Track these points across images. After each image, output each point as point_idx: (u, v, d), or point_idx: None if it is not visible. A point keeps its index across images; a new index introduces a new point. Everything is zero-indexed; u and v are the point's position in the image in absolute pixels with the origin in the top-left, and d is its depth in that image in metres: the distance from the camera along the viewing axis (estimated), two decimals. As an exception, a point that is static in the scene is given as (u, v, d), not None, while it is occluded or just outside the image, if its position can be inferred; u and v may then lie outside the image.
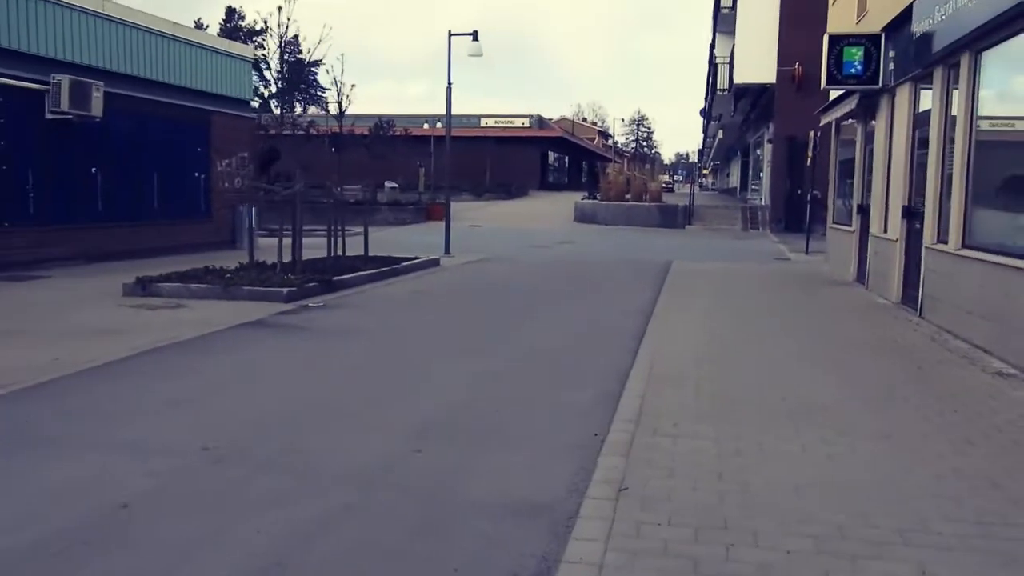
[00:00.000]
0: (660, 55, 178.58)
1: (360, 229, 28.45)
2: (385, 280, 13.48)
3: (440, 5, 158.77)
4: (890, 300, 11.27)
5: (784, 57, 29.18)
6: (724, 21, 35.35)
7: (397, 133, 36.57)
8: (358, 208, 33.38)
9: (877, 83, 12.00)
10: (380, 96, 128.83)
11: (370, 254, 15.99)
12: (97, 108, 14.53)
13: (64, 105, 13.92)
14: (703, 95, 59.06)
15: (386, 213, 32.48)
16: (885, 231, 11.94)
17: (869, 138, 13.37)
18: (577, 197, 38.79)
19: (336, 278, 12.19)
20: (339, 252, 15.00)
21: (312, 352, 7.65)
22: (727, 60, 32.99)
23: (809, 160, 22.22)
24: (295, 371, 6.85)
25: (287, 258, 12.48)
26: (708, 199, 45.46)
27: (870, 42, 12.04)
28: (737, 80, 30.97)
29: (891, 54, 11.73)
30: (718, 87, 34.12)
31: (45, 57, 13.92)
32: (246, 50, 20.50)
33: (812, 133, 21.90)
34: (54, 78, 13.83)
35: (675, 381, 6.40)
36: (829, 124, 16.64)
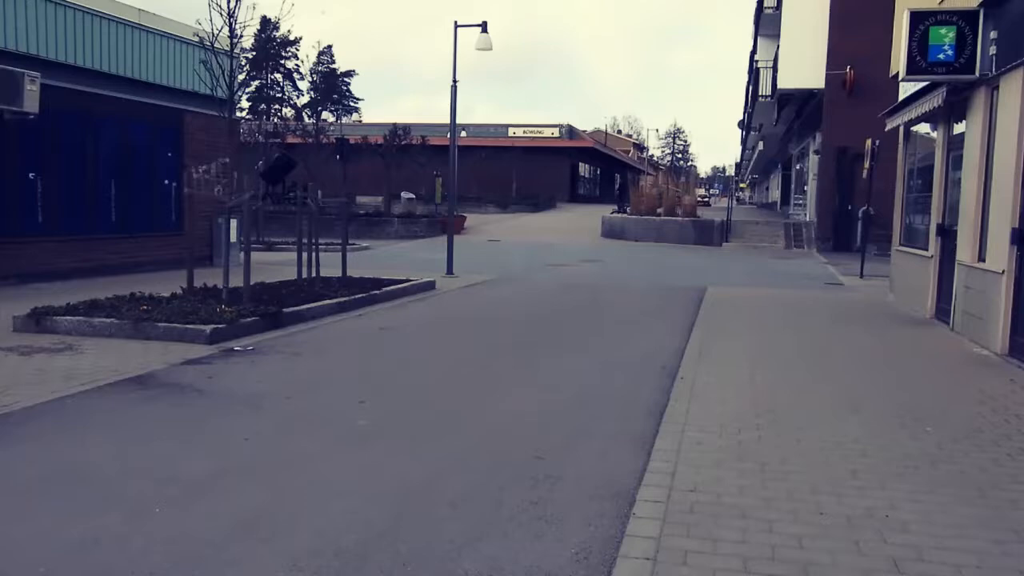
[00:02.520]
0: (696, 66, 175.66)
1: (366, 244, 26.41)
2: (357, 310, 11.15)
3: (473, 17, 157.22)
4: (991, 350, 8.66)
5: (834, 60, 26.52)
6: (767, 23, 32.72)
7: (413, 142, 34.32)
8: (367, 220, 31.33)
9: (973, 72, 9.42)
10: (409, 110, 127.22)
11: (355, 275, 13.73)
12: (31, 103, 12.41)
13: (-12, 98, 11.83)
14: (742, 105, 56.30)
15: (397, 226, 30.27)
16: (981, 259, 9.33)
17: (955, 144, 10.77)
18: (608, 211, 36.31)
19: (288, 310, 9.87)
20: (312, 274, 12.76)
21: (183, 439, 5.28)
22: (770, 64, 30.37)
23: (865, 172, 19.52)
24: (116, 485, 4.50)
25: (238, 282, 10.24)
26: (747, 214, 42.66)
27: (964, 20, 9.48)
28: (781, 85, 28.30)
29: (992, 35, 9.16)
30: (760, 94, 31.48)
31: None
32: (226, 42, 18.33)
33: (870, 141, 19.23)
34: (-27, 67, 11.77)
35: (709, 514, 3.94)
36: (895, 129, 14.02)
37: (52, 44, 13.36)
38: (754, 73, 33.20)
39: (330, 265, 13.16)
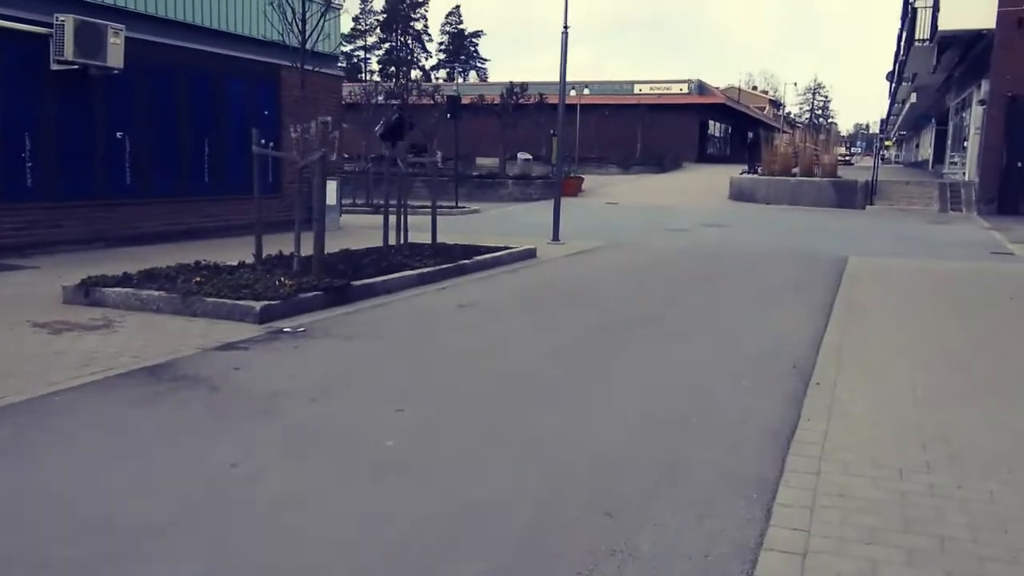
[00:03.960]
0: (840, 15, 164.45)
1: (476, 207, 25.33)
2: (441, 282, 9.97)
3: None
4: None
5: (1008, -5, 23.06)
6: (925, -43, 29.03)
7: (530, 100, 32.79)
8: (480, 182, 30.25)
9: None
10: (538, 67, 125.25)
11: (453, 241, 12.59)
12: (115, 57, 11.82)
13: (69, 53, 11.26)
14: (892, 55, 51.46)
15: (512, 188, 29.02)
16: None
17: None
18: (738, 171, 33.77)
19: (358, 283, 8.79)
20: (400, 240, 11.70)
21: (153, 463, 4.19)
22: (929, 3, 26.90)
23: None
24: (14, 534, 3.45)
25: (310, 251, 9.24)
26: (893, 173, 38.85)
27: None
28: (943, 26, 24.95)
29: None
30: (916, 37, 28.03)
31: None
32: (334, -5, 17.42)
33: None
34: (57, 19, 11.21)
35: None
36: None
37: (139, -6, 12.73)
38: (910, 15, 29.62)
39: (439, 229, 12.13)
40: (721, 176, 34.26)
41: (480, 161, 39.23)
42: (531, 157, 36.19)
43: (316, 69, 10.05)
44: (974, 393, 5.37)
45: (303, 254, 9.26)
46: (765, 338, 7.19)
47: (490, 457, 4.17)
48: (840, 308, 8.62)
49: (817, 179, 28.18)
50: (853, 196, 26.66)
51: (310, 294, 8.00)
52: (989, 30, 23.85)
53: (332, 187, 17.37)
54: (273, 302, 7.50)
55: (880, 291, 9.98)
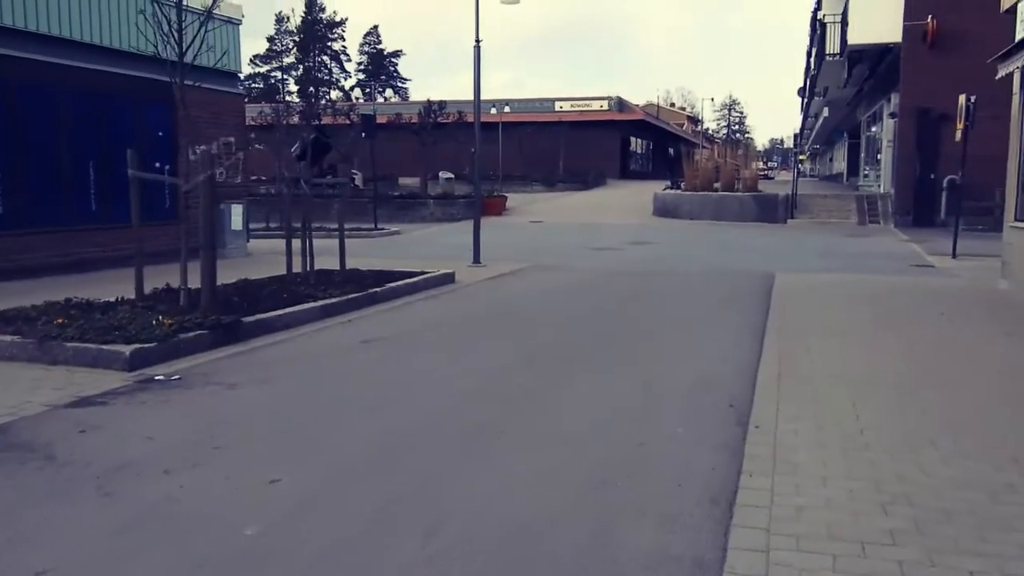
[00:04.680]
0: (750, 32, 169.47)
1: (396, 228, 24.48)
2: (348, 313, 9.15)
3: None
4: None
5: (913, 9, 23.54)
6: (834, -26, 29.58)
7: (449, 119, 32.12)
8: (401, 202, 29.37)
9: None
10: (461, 87, 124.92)
11: (366, 266, 11.78)
12: (-21, 75, 10.69)
13: (-76, 70, 10.11)
14: (802, 71, 52.73)
15: (433, 208, 28.22)
16: None
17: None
18: (661, 187, 33.76)
19: (250, 319, 7.91)
20: (306, 267, 10.83)
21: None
22: (838, 18, 27.35)
23: (959, 134, 16.75)
24: None
25: (237, 276, 8.27)
26: (812, 187, 39.50)
27: None
28: (852, 40, 25.32)
29: None
30: (826, 52, 28.46)
31: None
32: (232, 9, 16.43)
33: (963, 98, 16.46)
34: (-92, 33, 10.04)
35: None
36: (1008, 77, 11.42)
37: (8, 8, 11.58)
38: (819, 30, 30.12)
39: (355, 253, 11.29)
40: (645, 192, 34.20)
41: (403, 181, 38.36)
42: (453, 176, 35.50)
43: (197, 84, 9.08)
44: (928, 432, 4.85)
45: (193, 287, 8.31)
46: (698, 368, 6.62)
47: (376, 545, 3.41)
48: (773, 330, 8.15)
49: (739, 194, 28.26)
50: (775, 210, 26.78)
51: (192, 334, 7.09)
52: (896, 44, 24.30)
53: (238, 211, 16.37)
54: (146, 345, 6.57)
55: (810, 311, 9.58)
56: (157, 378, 6.11)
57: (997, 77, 11.56)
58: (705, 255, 16.88)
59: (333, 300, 9.26)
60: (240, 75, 18.26)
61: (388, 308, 9.70)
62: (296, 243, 10.91)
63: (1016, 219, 11.49)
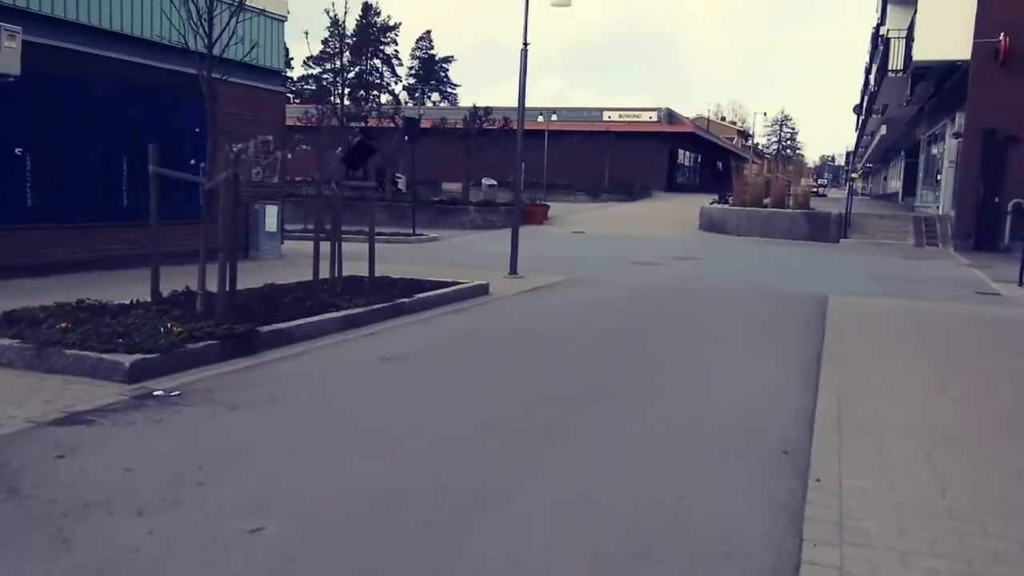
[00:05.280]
0: (803, 49, 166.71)
1: (435, 234, 24.04)
2: (372, 325, 8.64)
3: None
4: None
5: (984, 26, 22.46)
6: (898, -12, 28.55)
7: (495, 125, 31.64)
8: (441, 208, 28.96)
9: None
10: (509, 94, 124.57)
11: (398, 275, 11.31)
12: (11, 63, 10.42)
13: (-47, 58, 9.88)
14: (859, 88, 51.32)
15: (474, 215, 27.77)
16: None
17: None
18: (708, 201, 32.92)
19: (267, 328, 7.43)
20: (334, 274, 10.36)
21: None
22: (903, 34, 26.31)
23: (1031, 156, 15.75)
24: None
25: (260, 280, 7.83)
26: (866, 206, 38.24)
27: None
28: (918, 57, 24.29)
29: None
30: (889, 68, 27.40)
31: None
32: (277, 5, 16.10)
33: (1038, 118, 15.48)
34: (-62, 19, 9.82)
35: None
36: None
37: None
38: (883, 46, 29.04)
39: (389, 259, 10.78)
40: (690, 206, 33.37)
41: (446, 186, 38.07)
42: (496, 183, 35.04)
43: (225, 78, 8.66)
44: (1019, 492, 4.15)
45: (213, 291, 7.87)
46: (745, 405, 5.95)
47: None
48: (828, 363, 7.44)
49: (789, 211, 27.32)
50: (827, 229, 25.79)
51: (201, 344, 6.62)
52: (964, 61, 23.22)
53: (273, 212, 16.03)
54: (149, 355, 6.11)
55: (869, 340, 8.83)
56: (156, 393, 5.63)
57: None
58: (753, 274, 16.09)
59: (357, 310, 8.75)
60: (283, 73, 17.96)
61: (415, 320, 9.17)
62: (326, 247, 10.48)
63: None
